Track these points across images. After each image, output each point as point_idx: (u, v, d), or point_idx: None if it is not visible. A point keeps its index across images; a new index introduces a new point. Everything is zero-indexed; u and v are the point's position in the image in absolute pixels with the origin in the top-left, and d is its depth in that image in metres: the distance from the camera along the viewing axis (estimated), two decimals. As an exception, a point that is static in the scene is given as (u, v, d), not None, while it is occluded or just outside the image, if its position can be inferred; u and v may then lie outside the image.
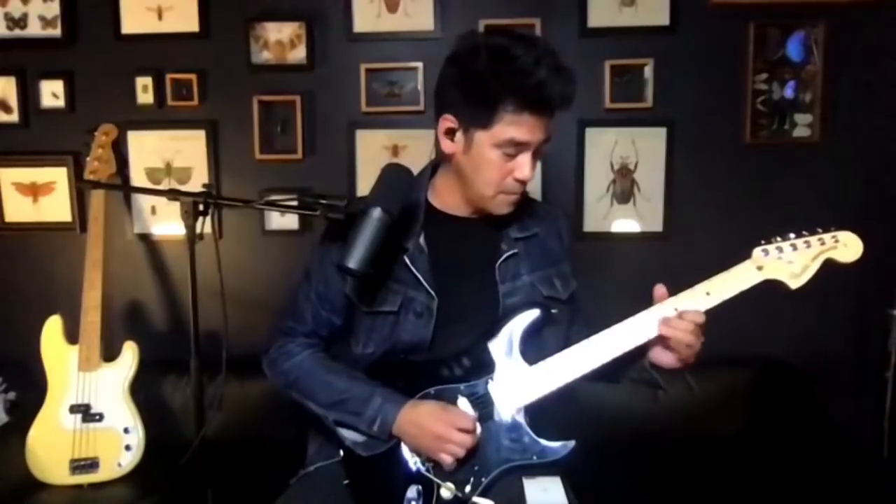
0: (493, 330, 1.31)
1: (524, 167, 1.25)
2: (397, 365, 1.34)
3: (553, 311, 1.34)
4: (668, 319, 1.22)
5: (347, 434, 1.31)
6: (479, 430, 1.26)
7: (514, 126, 1.21)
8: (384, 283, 1.33)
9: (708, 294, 1.24)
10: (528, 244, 1.39)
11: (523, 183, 1.28)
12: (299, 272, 1.44)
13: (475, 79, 1.21)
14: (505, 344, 1.30)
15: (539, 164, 2.12)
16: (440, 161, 1.39)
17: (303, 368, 1.37)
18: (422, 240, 1.33)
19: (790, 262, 1.25)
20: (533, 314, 1.30)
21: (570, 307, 1.42)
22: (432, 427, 1.23)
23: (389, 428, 1.26)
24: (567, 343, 1.30)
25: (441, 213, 1.38)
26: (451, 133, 1.28)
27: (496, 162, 1.25)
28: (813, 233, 1.27)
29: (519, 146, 1.23)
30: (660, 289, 1.26)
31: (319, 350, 1.41)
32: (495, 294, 1.34)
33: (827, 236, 1.26)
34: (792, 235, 1.26)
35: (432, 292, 1.31)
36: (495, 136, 1.22)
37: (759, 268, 1.25)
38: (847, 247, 1.25)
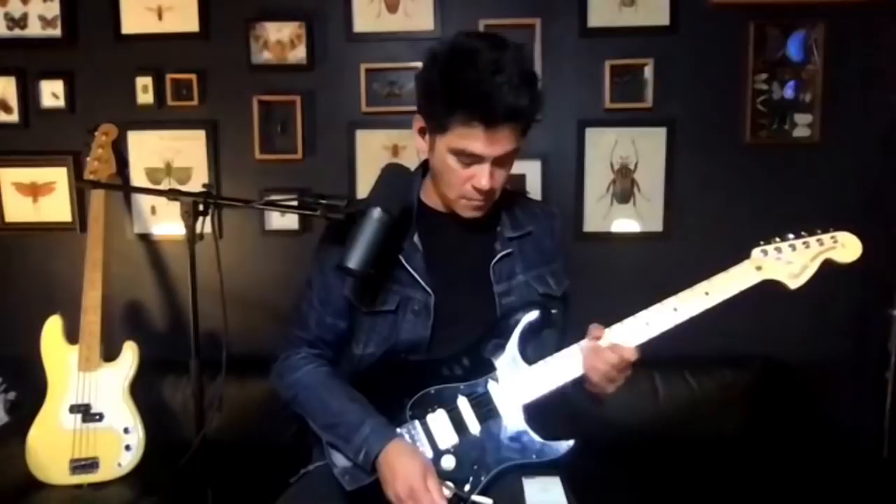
0: (492, 329, 1.31)
1: (481, 178, 1.22)
2: (398, 364, 1.34)
3: (553, 311, 1.34)
4: (598, 349, 1.22)
5: (336, 460, 1.29)
6: (478, 431, 1.27)
7: (465, 138, 1.18)
8: (382, 283, 1.33)
9: (707, 294, 1.24)
10: (522, 243, 1.39)
11: (482, 192, 1.25)
12: (300, 274, 1.44)
13: (429, 86, 1.21)
14: (505, 344, 1.30)
15: (539, 164, 2.16)
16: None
17: (303, 385, 1.35)
18: (416, 238, 1.33)
19: (789, 262, 1.25)
20: (532, 315, 1.30)
21: (563, 305, 1.42)
22: (407, 479, 1.17)
23: (371, 461, 1.22)
24: (565, 343, 1.30)
25: (433, 211, 1.38)
26: (422, 133, 1.29)
27: (454, 168, 1.23)
28: (812, 233, 1.27)
29: (472, 157, 1.21)
30: (595, 329, 1.26)
31: (324, 363, 1.39)
32: (491, 293, 1.34)
33: (826, 237, 1.26)
34: (791, 236, 1.27)
35: (429, 290, 1.31)
36: (449, 144, 1.21)
37: (759, 268, 1.25)
38: (846, 247, 1.25)
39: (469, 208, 1.30)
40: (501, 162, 1.24)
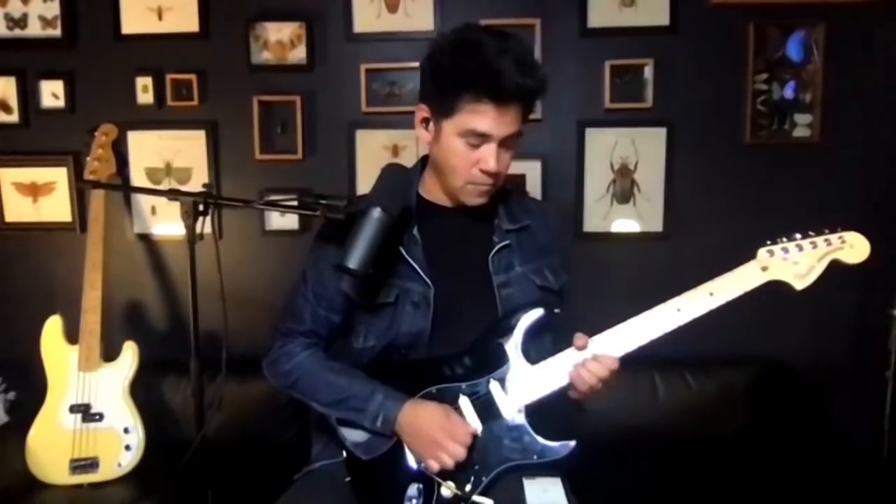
0: (494, 328, 1.31)
1: (489, 159, 1.25)
2: (399, 364, 1.34)
3: (556, 311, 1.34)
4: (583, 361, 1.24)
5: (349, 435, 1.31)
6: (480, 429, 1.26)
7: (474, 116, 1.22)
8: (381, 276, 1.33)
9: (711, 294, 1.24)
10: (520, 236, 1.40)
11: (490, 175, 1.27)
12: (299, 273, 1.44)
13: (438, 69, 1.24)
14: (507, 343, 1.30)
15: (539, 164, 2.16)
16: (428, 154, 1.40)
17: (304, 368, 1.37)
18: (415, 231, 1.34)
19: (795, 262, 1.24)
20: (536, 314, 1.30)
21: (560, 300, 1.42)
22: (430, 431, 1.23)
23: (392, 424, 1.26)
24: (562, 338, 1.30)
25: (432, 204, 1.39)
26: (425, 122, 1.31)
27: (461, 151, 1.26)
28: (819, 233, 1.26)
29: (481, 137, 1.24)
30: (579, 339, 1.27)
31: (319, 350, 1.41)
32: (490, 285, 1.34)
33: (833, 237, 1.25)
34: (798, 236, 1.25)
35: (428, 281, 1.32)
36: (457, 126, 1.24)
37: (764, 268, 1.24)
38: (854, 248, 1.24)
39: (475, 194, 1.31)
40: (507, 144, 1.26)
